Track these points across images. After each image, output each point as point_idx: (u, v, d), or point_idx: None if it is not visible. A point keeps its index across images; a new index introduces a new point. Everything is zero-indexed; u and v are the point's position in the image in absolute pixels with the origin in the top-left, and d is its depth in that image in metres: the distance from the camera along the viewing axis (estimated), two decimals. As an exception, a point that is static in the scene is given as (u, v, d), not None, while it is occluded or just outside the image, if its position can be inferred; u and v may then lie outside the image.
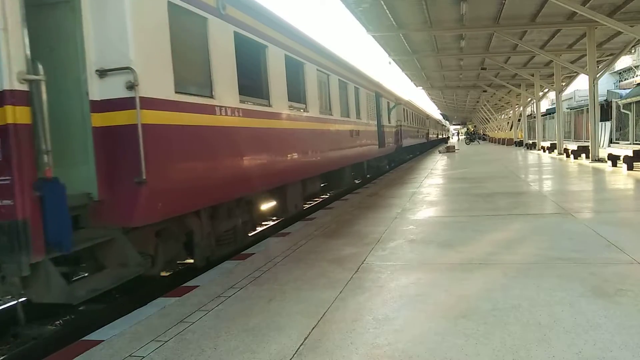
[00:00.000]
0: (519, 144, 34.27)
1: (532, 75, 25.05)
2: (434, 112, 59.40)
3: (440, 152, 29.02)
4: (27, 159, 3.13)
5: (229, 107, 5.26)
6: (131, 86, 3.75)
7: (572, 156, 17.72)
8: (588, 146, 16.68)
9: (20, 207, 3.06)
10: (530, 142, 30.25)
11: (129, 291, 5.27)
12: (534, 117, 30.18)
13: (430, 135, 41.59)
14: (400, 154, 21.74)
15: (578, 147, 18.70)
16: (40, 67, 3.17)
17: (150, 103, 3.94)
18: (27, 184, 3.11)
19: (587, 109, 19.35)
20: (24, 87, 3.12)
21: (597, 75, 16.14)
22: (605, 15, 12.89)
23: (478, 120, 64.70)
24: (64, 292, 3.38)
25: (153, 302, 3.75)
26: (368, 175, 15.64)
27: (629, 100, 26.57)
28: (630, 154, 12.41)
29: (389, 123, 17.30)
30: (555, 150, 21.55)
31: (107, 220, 3.84)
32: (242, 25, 5.67)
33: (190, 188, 4.53)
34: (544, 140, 29.44)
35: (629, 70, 36.85)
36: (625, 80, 37.08)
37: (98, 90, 3.80)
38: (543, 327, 2.80)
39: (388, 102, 17.24)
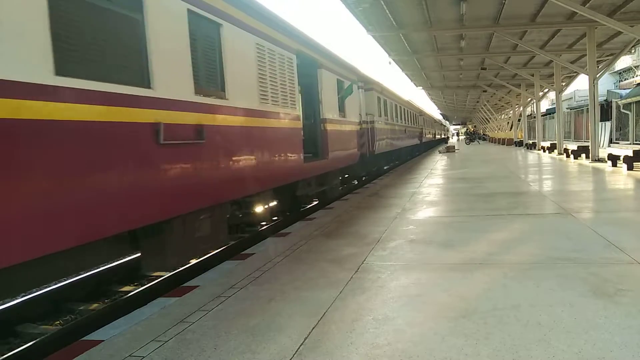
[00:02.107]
0: (519, 144, 34.27)
1: (532, 75, 25.06)
2: (431, 108, 57.96)
3: (440, 152, 29.00)
4: None
5: None
6: None
7: (572, 156, 17.72)
8: (588, 146, 16.68)
9: None
10: (530, 142, 30.25)
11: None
12: (534, 117, 30.19)
13: (426, 135, 35.98)
14: (373, 163, 15.22)
15: (578, 147, 18.71)
16: None
17: None
18: None
19: (587, 109, 19.35)
20: None
21: (597, 75, 16.14)
22: (605, 15, 12.90)
23: (478, 120, 64.70)
24: None
25: (153, 302, 3.75)
26: (275, 218, 8.67)
27: (629, 100, 26.57)
28: (630, 154, 12.42)
29: (345, 117, 10.57)
30: (555, 150, 21.56)
31: None
32: None
33: None
34: (544, 140, 29.44)
35: (629, 70, 36.87)
36: (625, 80, 37.10)
37: None
38: (543, 327, 2.80)
39: (339, 81, 10.24)
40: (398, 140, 19.72)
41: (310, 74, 8.95)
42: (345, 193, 11.15)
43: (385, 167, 18.89)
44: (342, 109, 10.47)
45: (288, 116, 7.12)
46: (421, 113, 31.89)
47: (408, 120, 23.76)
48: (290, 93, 7.18)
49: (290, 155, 7.12)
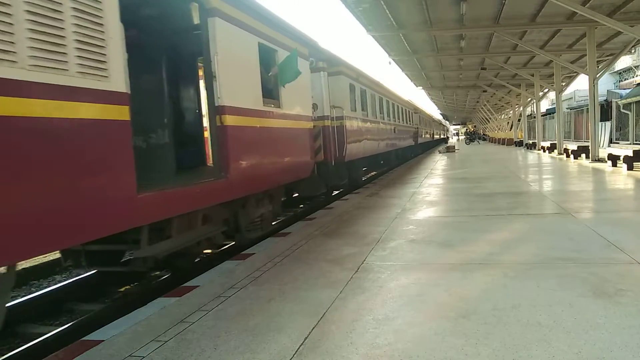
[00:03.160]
0: (519, 144, 34.28)
1: (532, 75, 25.05)
2: (431, 108, 56.94)
3: (440, 152, 29.00)
4: None
5: None
6: None
7: (572, 156, 17.72)
8: (588, 146, 16.68)
9: None
10: (530, 142, 30.25)
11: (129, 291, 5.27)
12: (534, 117, 30.19)
13: (423, 136, 32.75)
14: (342, 174, 11.08)
15: (578, 147, 18.71)
16: None
17: None
18: None
19: (587, 109, 19.36)
20: None
21: (597, 75, 16.14)
22: (605, 15, 12.90)
23: (478, 120, 64.70)
24: None
25: (153, 302, 3.75)
26: None
27: (629, 100, 26.57)
28: (630, 154, 12.41)
29: (282, 108, 6.88)
30: (555, 150, 21.56)
31: None
32: None
33: None
34: (544, 140, 29.46)
35: (629, 70, 36.92)
36: (625, 80, 37.14)
37: None
38: (543, 327, 2.80)
39: (264, 48, 6.43)
40: (383, 141, 15.99)
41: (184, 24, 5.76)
42: (282, 227, 7.26)
43: (363, 178, 14.92)
44: (273, 95, 6.64)
45: (69, 95, 3.23)
46: (416, 110, 27.99)
47: (399, 118, 20.17)
48: (81, 46, 3.33)
49: (83, 182, 3.31)
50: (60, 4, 3.14)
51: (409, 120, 24.23)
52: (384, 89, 16.93)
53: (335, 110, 10.19)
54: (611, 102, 29.23)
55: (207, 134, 6.90)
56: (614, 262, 4.05)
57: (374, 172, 17.76)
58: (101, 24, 3.49)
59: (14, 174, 2.77)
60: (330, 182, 10.53)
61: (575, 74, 24.02)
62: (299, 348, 2.73)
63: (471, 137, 50.40)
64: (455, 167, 16.94)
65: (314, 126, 8.43)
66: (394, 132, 18.48)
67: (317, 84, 9.53)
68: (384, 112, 16.42)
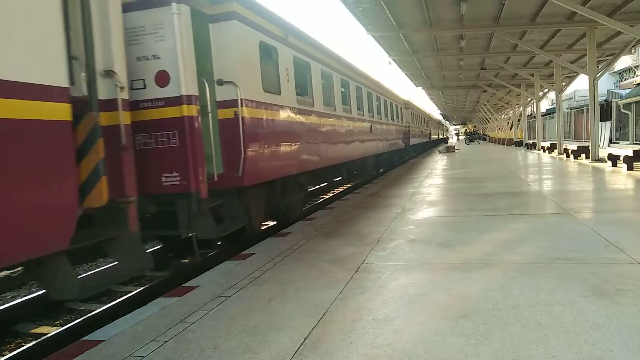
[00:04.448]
0: (519, 144, 34.29)
1: (532, 75, 25.05)
2: (431, 108, 56.07)
3: (440, 152, 28.98)
4: None
5: None
6: None
7: (572, 156, 17.72)
8: (588, 146, 16.68)
9: None
10: (530, 142, 30.26)
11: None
12: (534, 117, 30.19)
13: (418, 136, 28.50)
14: (229, 213, 5.85)
15: (578, 147, 18.70)
16: None
17: None
18: None
19: (587, 109, 19.35)
20: None
21: (597, 75, 16.14)
22: (605, 15, 12.90)
23: (478, 120, 64.71)
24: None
25: (153, 302, 3.75)
26: None
27: (629, 100, 26.58)
28: (630, 154, 12.41)
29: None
30: (555, 150, 21.56)
31: None
32: None
33: None
34: (544, 140, 29.47)
35: (629, 70, 36.88)
36: (625, 80, 37.11)
37: None
38: (543, 327, 2.80)
39: None
40: (350, 145, 11.32)
41: None
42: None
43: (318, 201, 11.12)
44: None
45: None
46: (407, 105, 22.94)
47: (380, 113, 15.57)
48: None
49: None
50: None
51: (397, 117, 19.67)
52: (352, 69, 11.94)
53: (222, 88, 5.58)
54: (611, 102, 29.23)
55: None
56: (614, 262, 4.06)
57: (351, 184, 14.15)
58: None
59: None
60: (200, 232, 5.35)
61: (575, 74, 24.01)
62: (299, 348, 2.73)
63: (471, 137, 50.44)
64: (455, 167, 16.93)
65: (76, 116, 3.37)
66: (371, 131, 13.81)
67: (168, 30, 4.77)
68: (350, 103, 11.58)
